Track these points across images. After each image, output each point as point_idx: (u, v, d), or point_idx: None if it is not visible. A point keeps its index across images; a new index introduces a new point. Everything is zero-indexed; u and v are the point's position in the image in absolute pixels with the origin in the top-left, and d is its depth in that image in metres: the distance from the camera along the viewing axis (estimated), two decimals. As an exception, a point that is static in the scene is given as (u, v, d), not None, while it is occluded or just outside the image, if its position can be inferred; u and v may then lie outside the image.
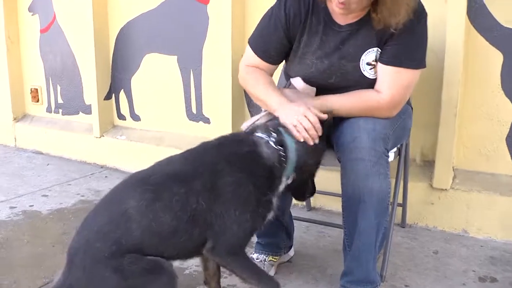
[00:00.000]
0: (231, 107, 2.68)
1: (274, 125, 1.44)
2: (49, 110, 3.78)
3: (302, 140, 1.39)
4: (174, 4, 2.97)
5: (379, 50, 1.51)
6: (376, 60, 1.52)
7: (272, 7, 1.60)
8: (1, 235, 2.14)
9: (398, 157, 1.84)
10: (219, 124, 2.80)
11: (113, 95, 3.38)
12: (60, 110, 3.70)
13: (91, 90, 3.36)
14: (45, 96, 3.79)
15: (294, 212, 1.95)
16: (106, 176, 3.10)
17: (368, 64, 1.53)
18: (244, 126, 1.57)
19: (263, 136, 1.39)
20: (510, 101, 2.10)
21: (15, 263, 1.89)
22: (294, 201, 1.84)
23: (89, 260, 1.24)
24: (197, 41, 2.89)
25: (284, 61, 1.69)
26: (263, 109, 1.66)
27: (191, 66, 2.96)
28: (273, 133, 1.40)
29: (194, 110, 3.01)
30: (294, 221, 1.94)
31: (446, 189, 2.21)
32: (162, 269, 1.27)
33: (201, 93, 2.95)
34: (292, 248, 1.94)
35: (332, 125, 1.52)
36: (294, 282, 1.78)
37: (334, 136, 1.55)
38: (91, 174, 3.14)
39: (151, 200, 1.27)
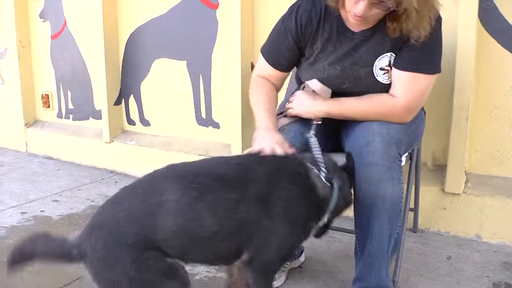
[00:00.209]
0: (240, 112, 2.68)
1: (323, 161, 1.40)
2: (59, 115, 3.81)
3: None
4: (183, 9, 2.98)
5: (393, 54, 1.49)
6: (389, 65, 1.51)
7: (283, 16, 1.59)
8: (12, 241, 2.14)
9: (409, 161, 1.83)
10: (229, 129, 2.80)
11: (123, 100, 3.39)
12: (71, 116, 3.73)
13: (101, 96, 3.38)
14: (55, 102, 3.82)
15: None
16: (116, 182, 3.11)
17: (382, 69, 1.51)
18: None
19: (314, 168, 1.36)
20: (522, 104, 2.08)
21: (26, 269, 1.88)
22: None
23: (112, 241, 1.18)
24: (206, 46, 2.90)
25: (296, 67, 1.69)
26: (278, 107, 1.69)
27: (200, 71, 2.97)
28: (323, 169, 1.36)
29: (203, 115, 3.01)
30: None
31: (458, 194, 2.18)
32: (177, 274, 1.23)
33: (210, 98, 2.96)
34: (303, 253, 1.93)
35: (344, 128, 1.50)
36: (305, 287, 1.76)
37: (346, 140, 1.54)
38: (101, 179, 3.15)
39: (194, 199, 1.21)
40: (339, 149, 1.61)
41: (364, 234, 1.46)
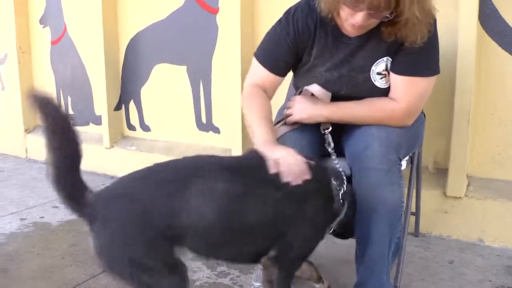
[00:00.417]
0: (240, 117, 2.67)
1: (341, 175, 1.43)
2: (60, 121, 3.80)
3: (286, 179, 1.28)
4: (183, 14, 2.98)
5: (389, 59, 1.49)
6: (387, 70, 1.50)
7: (279, 20, 1.57)
8: (11, 248, 2.14)
9: (410, 165, 1.81)
10: (229, 134, 2.79)
11: (123, 105, 3.39)
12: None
13: (101, 101, 3.38)
14: (56, 108, 3.81)
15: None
16: (116, 187, 3.09)
17: (379, 74, 1.50)
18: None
19: (335, 182, 1.39)
20: (524, 107, 2.07)
21: (25, 276, 1.88)
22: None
23: (131, 216, 1.13)
24: (206, 51, 2.89)
25: (293, 74, 1.68)
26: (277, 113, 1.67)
27: (200, 76, 2.96)
28: (343, 185, 1.40)
29: (203, 120, 3.00)
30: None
31: (460, 197, 2.16)
32: (179, 270, 1.20)
33: (210, 103, 2.95)
34: (304, 258, 1.91)
35: (344, 132, 1.50)
36: (306, 293, 1.75)
37: (346, 144, 1.53)
38: (102, 184, 3.14)
39: (242, 193, 1.21)
40: (341, 154, 1.59)
41: (364, 239, 1.45)
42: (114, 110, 3.37)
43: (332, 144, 1.54)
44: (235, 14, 2.64)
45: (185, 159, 1.29)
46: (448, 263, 1.97)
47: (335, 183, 1.38)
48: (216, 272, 1.89)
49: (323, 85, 1.56)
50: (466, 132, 2.11)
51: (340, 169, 1.47)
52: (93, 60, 3.40)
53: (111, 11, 3.28)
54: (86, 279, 1.84)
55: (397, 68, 1.48)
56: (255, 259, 1.34)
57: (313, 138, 1.56)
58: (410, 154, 1.76)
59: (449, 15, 2.12)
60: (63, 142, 1.13)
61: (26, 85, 3.87)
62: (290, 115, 1.59)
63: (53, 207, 2.71)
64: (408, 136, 1.53)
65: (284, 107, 1.68)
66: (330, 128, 1.56)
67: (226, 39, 2.77)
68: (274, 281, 1.37)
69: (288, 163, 1.27)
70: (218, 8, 2.80)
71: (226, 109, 2.80)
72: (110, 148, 3.36)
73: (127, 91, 3.35)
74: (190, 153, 2.96)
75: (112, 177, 3.30)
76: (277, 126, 1.61)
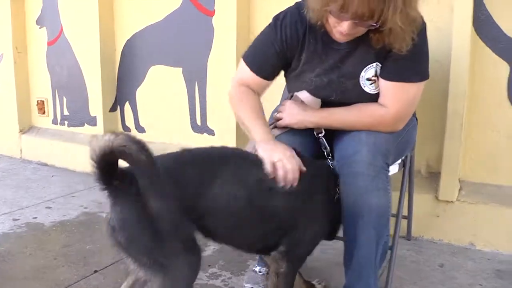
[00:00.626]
0: (235, 119, 2.67)
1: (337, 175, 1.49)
2: (55, 122, 3.80)
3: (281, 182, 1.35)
4: (179, 16, 2.98)
5: (379, 64, 1.49)
6: (376, 75, 1.50)
7: (268, 25, 1.58)
8: (4, 248, 2.13)
9: (402, 168, 1.82)
10: (224, 136, 2.79)
11: (118, 107, 3.39)
12: (66, 122, 3.72)
13: (97, 102, 3.38)
14: (51, 108, 3.82)
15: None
16: (110, 188, 3.08)
17: (368, 79, 1.51)
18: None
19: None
20: (516, 113, 2.08)
21: (17, 276, 1.88)
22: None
23: (160, 193, 1.16)
24: (202, 53, 2.90)
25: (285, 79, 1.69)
26: (270, 117, 1.68)
27: (196, 78, 2.97)
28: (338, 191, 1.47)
29: (198, 122, 3.01)
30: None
31: (452, 201, 2.18)
32: (196, 251, 1.24)
33: (205, 105, 2.96)
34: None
35: (335, 137, 1.51)
36: (297, 295, 1.75)
37: (335, 149, 1.53)
38: (96, 185, 3.13)
39: (271, 185, 1.31)
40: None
41: (352, 243, 1.45)
42: (110, 111, 3.37)
43: (328, 148, 1.56)
44: (231, 16, 2.65)
45: (214, 147, 1.39)
46: (439, 266, 1.98)
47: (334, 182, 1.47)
48: (207, 274, 1.89)
49: (313, 91, 1.57)
50: (459, 137, 2.13)
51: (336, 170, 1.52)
52: (89, 61, 3.40)
53: (108, 12, 3.29)
54: (78, 280, 1.84)
55: (386, 73, 1.48)
56: (265, 251, 1.45)
57: (305, 140, 1.56)
58: (403, 158, 1.77)
59: (444, 20, 2.13)
60: None
61: (22, 85, 3.87)
62: (281, 118, 1.60)
63: (46, 207, 2.71)
64: (399, 140, 1.54)
65: (277, 110, 1.69)
66: (324, 132, 1.57)
67: (222, 41, 2.77)
68: (281, 273, 1.43)
69: (285, 169, 1.34)
70: (214, 10, 2.80)
71: (221, 111, 2.81)
72: (105, 149, 3.35)
73: (122, 93, 3.36)
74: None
75: (106, 178, 3.28)
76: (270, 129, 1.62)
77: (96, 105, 3.40)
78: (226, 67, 2.70)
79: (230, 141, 2.71)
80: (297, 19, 1.51)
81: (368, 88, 1.52)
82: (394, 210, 1.77)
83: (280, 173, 1.33)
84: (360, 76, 1.51)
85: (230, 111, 2.66)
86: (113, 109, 3.38)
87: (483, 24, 2.09)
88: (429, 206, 2.23)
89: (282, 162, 1.34)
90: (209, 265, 1.95)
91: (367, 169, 1.39)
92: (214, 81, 2.88)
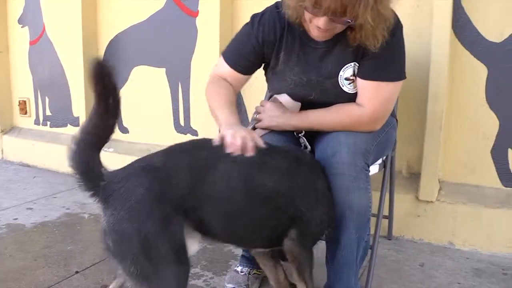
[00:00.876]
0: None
1: None
2: (37, 122, 3.76)
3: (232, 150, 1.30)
4: (163, 16, 2.98)
5: (357, 64, 1.51)
6: (354, 75, 1.52)
7: (247, 23, 1.60)
8: (-17, 249, 2.11)
9: (383, 169, 1.84)
10: (207, 137, 2.78)
11: (102, 107, 3.36)
12: (48, 123, 3.69)
13: (80, 102, 3.36)
14: (33, 108, 3.77)
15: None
16: (93, 189, 3.06)
17: (347, 79, 1.53)
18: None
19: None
20: (494, 114, 2.12)
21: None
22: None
23: (150, 193, 1.14)
24: (185, 54, 2.90)
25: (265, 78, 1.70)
26: (251, 118, 1.67)
27: (179, 79, 2.97)
28: None
29: (182, 123, 3.00)
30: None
31: (432, 201, 2.21)
32: (185, 259, 1.20)
33: (189, 106, 2.95)
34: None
35: (315, 137, 1.53)
36: (279, 295, 1.76)
37: (316, 150, 1.54)
38: (78, 186, 3.11)
39: (261, 163, 1.30)
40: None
41: (333, 243, 1.46)
42: (92, 111, 3.34)
43: (309, 147, 1.57)
44: (214, 17, 2.65)
45: (202, 138, 1.38)
46: (419, 266, 2.01)
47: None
48: (189, 274, 1.89)
49: (292, 90, 1.58)
50: (438, 138, 2.16)
51: None
52: (72, 61, 3.37)
53: (91, 12, 3.26)
54: (58, 281, 1.82)
55: (362, 73, 1.50)
56: (273, 241, 1.38)
57: (286, 140, 1.57)
58: (383, 158, 1.79)
59: (423, 23, 2.17)
60: (107, 109, 1.16)
61: (3, 85, 3.82)
62: (260, 120, 1.62)
63: (27, 208, 2.68)
64: (378, 140, 1.55)
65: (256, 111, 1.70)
66: (304, 132, 1.58)
67: (205, 42, 2.78)
68: (300, 260, 1.41)
69: (235, 136, 1.31)
70: (198, 11, 2.81)
71: (204, 111, 2.78)
72: (87, 150, 3.32)
73: (105, 93, 3.33)
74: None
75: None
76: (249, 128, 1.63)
77: (79, 105, 3.37)
78: (210, 68, 2.65)
79: (213, 142, 2.71)
80: (275, 17, 1.53)
81: (347, 87, 1.54)
82: (375, 210, 1.80)
83: (228, 139, 1.30)
84: (339, 76, 1.52)
85: (214, 112, 2.69)
86: (96, 109, 3.35)
87: (462, 27, 2.13)
88: (409, 206, 2.26)
89: (233, 132, 1.32)
90: (191, 266, 1.95)
91: (347, 170, 1.40)
92: (197, 82, 2.87)
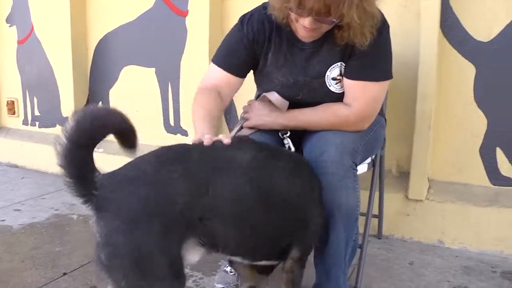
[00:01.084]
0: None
1: None
2: (25, 122, 3.73)
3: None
4: (152, 16, 2.96)
5: (343, 64, 1.51)
6: (341, 75, 1.52)
7: (235, 25, 1.60)
8: (-30, 250, 2.08)
9: (372, 168, 1.85)
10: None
11: (91, 107, 3.34)
12: (37, 123, 3.65)
13: (68, 103, 3.33)
14: (21, 109, 3.74)
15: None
16: (82, 190, 3.04)
17: (334, 79, 1.53)
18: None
19: None
20: (483, 113, 2.13)
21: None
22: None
23: (147, 204, 1.05)
24: (175, 54, 2.89)
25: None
26: (240, 118, 1.66)
27: (169, 79, 2.95)
28: None
29: (172, 123, 2.99)
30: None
31: (421, 200, 2.22)
32: (180, 275, 1.11)
33: (179, 106, 2.94)
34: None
35: (303, 137, 1.52)
36: (268, 295, 1.76)
37: (304, 150, 1.54)
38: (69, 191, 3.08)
39: (266, 166, 1.27)
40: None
41: (321, 242, 1.46)
42: (82, 111, 3.32)
43: (293, 148, 1.56)
44: (204, 17, 2.65)
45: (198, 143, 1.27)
46: (408, 264, 2.01)
47: None
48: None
49: (279, 90, 1.58)
50: (427, 137, 2.17)
51: None
52: (61, 60, 3.35)
53: (80, 11, 3.24)
54: (46, 283, 1.80)
55: (349, 73, 1.51)
56: (280, 254, 1.35)
57: (272, 140, 1.57)
58: (372, 157, 1.79)
59: (412, 23, 2.17)
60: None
61: (-9, 85, 3.79)
62: (248, 119, 1.61)
63: (15, 210, 2.65)
64: (366, 140, 1.55)
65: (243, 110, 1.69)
66: (289, 133, 1.58)
67: (195, 42, 2.77)
68: (294, 271, 1.37)
69: (211, 138, 1.25)
70: (188, 11, 2.80)
71: (195, 112, 2.80)
72: (77, 150, 3.30)
73: (95, 93, 3.31)
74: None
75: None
76: (236, 129, 1.63)
77: (68, 106, 3.34)
78: (199, 67, 2.69)
79: (203, 142, 2.70)
80: (264, 18, 1.53)
81: (334, 87, 1.54)
82: (364, 209, 1.80)
83: (205, 142, 1.23)
84: (326, 76, 1.52)
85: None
86: (85, 109, 3.33)
87: (450, 27, 2.14)
88: (399, 205, 2.27)
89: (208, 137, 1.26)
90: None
91: (335, 169, 1.40)
92: (187, 82, 2.86)
